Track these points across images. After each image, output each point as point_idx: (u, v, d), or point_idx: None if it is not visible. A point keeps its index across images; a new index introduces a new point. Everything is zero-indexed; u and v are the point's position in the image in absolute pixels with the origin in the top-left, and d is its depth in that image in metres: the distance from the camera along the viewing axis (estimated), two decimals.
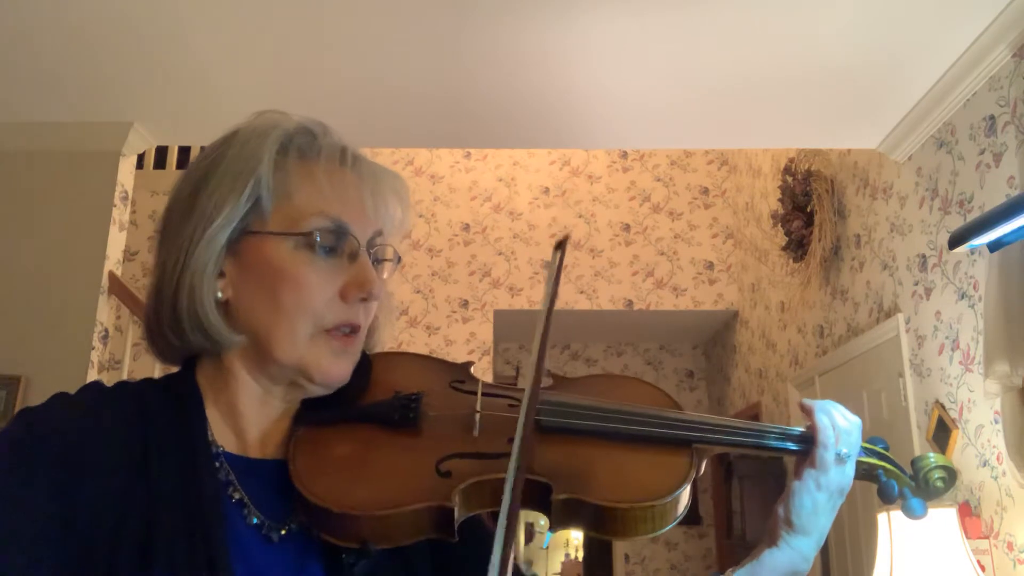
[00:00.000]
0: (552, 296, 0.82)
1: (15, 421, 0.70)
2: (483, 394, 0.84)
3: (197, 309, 0.76)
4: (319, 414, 0.80)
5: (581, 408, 0.83)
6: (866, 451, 0.87)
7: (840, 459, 0.82)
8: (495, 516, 0.70)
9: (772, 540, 0.84)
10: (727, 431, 0.85)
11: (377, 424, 0.80)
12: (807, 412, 0.85)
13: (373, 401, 0.82)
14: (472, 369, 0.90)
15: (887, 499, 0.86)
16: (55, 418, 0.70)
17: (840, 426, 0.83)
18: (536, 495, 0.76)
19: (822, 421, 0.83)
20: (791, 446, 0.85)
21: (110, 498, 0.67)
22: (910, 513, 0.86)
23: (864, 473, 0.87)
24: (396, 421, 0.80)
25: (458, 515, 0.73)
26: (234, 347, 0.78)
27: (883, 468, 0.88)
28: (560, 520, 0.76)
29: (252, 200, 0.77)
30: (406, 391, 0.82)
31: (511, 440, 0.73)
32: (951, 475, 0.87)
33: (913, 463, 0.89)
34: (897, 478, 0.88)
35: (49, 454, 0.67)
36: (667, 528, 0.78)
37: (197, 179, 0.79)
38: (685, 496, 0.80)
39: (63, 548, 0.65)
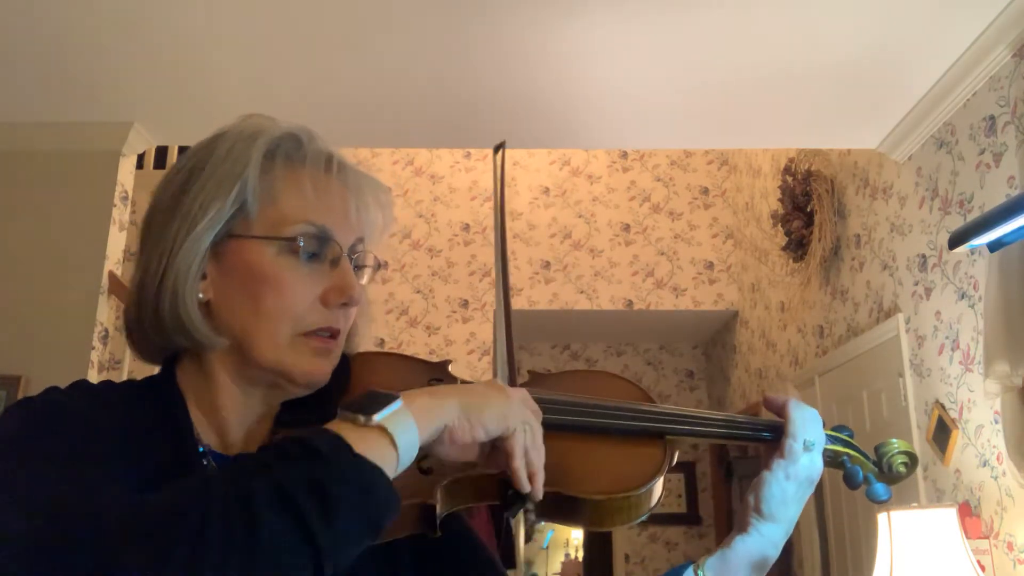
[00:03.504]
0: (500, 203, 0.84)
1: (27, 404, 0.71)
2: None
3: (180, 311, 0.76)
4: (299, 415, 0.80)
5: (557, 403, 0.85)
6: (832, 439, 0.90)
7: (807, 447, 0.85)
8: (470, 511, 0.72)
9: (742, 527, 0.86)
10: (699, 422, 0.88)
11: None
12: (777, 405, 0.88)
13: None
14: (467, 369, 0.91)
15: (852, 484, 0.90)
16: (63, 403, 0.72)
17: (806, 417, 0.87)
18: (516, 490, 0.77)
19: (794, 412, 0.87)
20: (765, 435, 0.88)
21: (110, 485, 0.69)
22: (874, 497, 0.89)
23: (830, 460, 0.90)
24: None
25: (440, 511, 0.75)
26: (216, 348, 0.79)
27: (848, 455, 0.91)
28: (539, 513, 0.78)
29: (238, 204, 0.77)
30: (384, 391, 0.83)
31: None
32: (913, 460, 0.91)
33: (876, 449, 0.92)
34: (861, 464, 0.90)
35: (71, 431, 0.69)
36: (642, 518, 0.81)
37: (181, 180, 0.79)
38: (659, 486, 0.82)
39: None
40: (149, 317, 0.78)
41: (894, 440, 0.91)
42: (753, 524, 0.85)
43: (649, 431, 0.85)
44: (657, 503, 0.82)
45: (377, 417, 0.65)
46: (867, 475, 0.90)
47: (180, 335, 0.77)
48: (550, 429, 0.82)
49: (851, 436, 0.92)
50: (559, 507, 0.78)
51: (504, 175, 0.84)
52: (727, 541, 0.87)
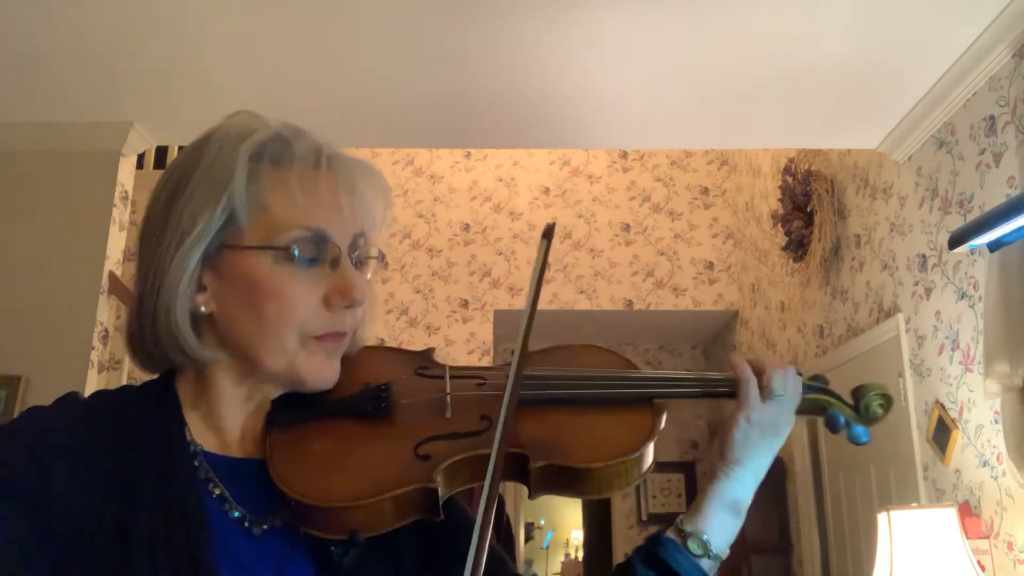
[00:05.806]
0: (537, 288, 0.84)
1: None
2: (450, 377, 0.87)
3: (172, 328, 0.75)
4: (292, 413, 0.81)
5: (547, 379, 0.87)
6: (809, 387, 0.94)
7: (766, 396, 0.87)
8: (471, 493, 0.74)
9: (712, 473, 0.88)
10: (678, 383, 0.91)
11: (351, 417, 0.82)
12: (731, 363, 0.90)
13: (344, 395, 0.83)
14: (435, 355, 0.93)
15: (833, 428, 0.93)
16: (24, 437, 0.70)
17: (769, 368, 0.88)
18: (514, 466, 0.79)
19: (740, 362, 0.88)
20: (726, 389, 0.90)
21: (83, 511, 0.68)
22: (855, 439, 0.93)
23: (810, 407, 0.94)
24: (369, 412, 0.81)
25: (442, 494, 0.76)
26: (214, 363, 0.78)
27: (827, 400, 0.95)
28: (539, 487, 0.80)
29: (226, 214, 0.76)
30: (375, 383, 0.84)
31: (483, 416, 0.79)
32: (888, 401, 0.95)
33: (853, 393, 0.96)
34: (840, 409, 0.94)
35: (18, 477, 0.67)
36: (637, 482, 0.84)
37: (170, 192, 0.78)
38: (651, 450, 0.85)
39: (44, 559, 0.65)
40: (148, 331, 0.77)
41: (870, 383, 0.95)
42: (721, 468, 0.87)
43: (636, 397, 0.87)
44: (651, 468, 0.85)
45: None
46: (847, 419, 0.93)
47: (175, 352, 0.76)
48: (542, 404, 0.85)
49: (826, 383, 0.96)
50: (558, 479, 0.80)
51: (547, 258, 0.85)
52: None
